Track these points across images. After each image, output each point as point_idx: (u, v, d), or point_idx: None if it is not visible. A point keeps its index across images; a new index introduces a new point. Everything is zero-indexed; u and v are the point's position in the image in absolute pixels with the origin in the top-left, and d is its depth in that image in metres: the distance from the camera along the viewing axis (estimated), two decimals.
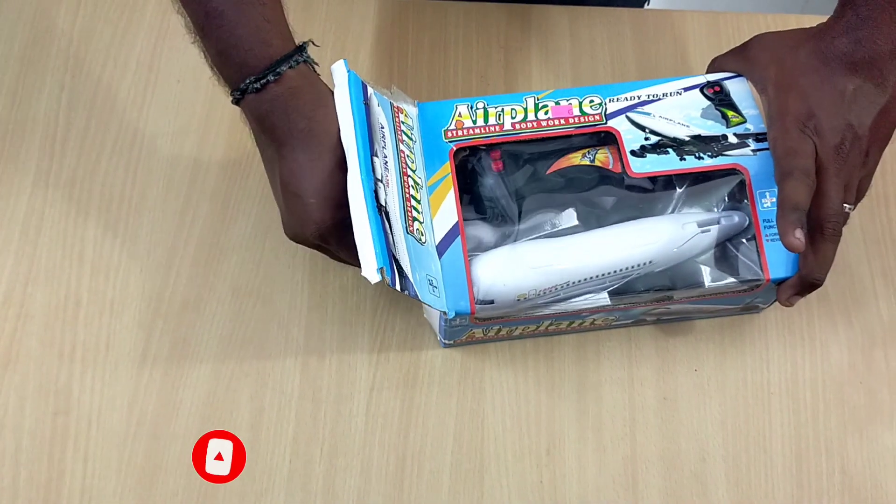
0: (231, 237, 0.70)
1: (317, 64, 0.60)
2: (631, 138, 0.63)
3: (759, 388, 0.67)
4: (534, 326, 0.65)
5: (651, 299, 0.62)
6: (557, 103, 0.64)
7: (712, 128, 0.64)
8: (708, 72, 0.68)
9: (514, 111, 0.64)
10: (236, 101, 0.58)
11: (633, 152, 0.63)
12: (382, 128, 0.60)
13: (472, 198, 0.64)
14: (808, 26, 0.63)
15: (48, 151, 0.73)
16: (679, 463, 0.65)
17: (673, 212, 0.63)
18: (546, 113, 0.64)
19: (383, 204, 0.57)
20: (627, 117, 0.64)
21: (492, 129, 0.63)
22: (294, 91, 0.57)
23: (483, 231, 0.63)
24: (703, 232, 0.62)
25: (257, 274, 0.69)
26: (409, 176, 0.60)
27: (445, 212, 0.61)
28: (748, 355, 0.68)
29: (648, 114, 0.64)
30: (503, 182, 0.64)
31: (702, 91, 0.65)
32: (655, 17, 0.81)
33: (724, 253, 0.63)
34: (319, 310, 0.69)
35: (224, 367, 0.67)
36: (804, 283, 0.60)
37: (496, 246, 0.62)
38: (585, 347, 0.68)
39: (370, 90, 0.60)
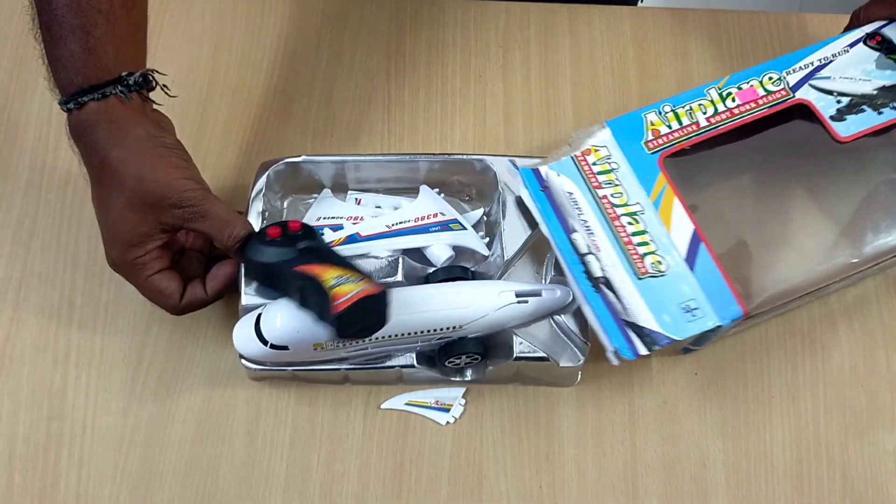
0: None
1: (138, 94, 0.58)
2: (823, 105, 0.63)
3: (759, 392, 0.67)
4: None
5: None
6: (739, 88, 0.64)
7: (892, 76, 0.64)
8: (852, 25, 0.68)
9: (702, 106, 0.64)
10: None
11: (832, 118, 0.62)
12: (571, 195, 0.60)
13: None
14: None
15: (41, 152, 0.72)
16: (679, 468, 0.65)
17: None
18: (733, 100, 0.64)
19: (600, 275, 0.58)
20: (811, 85, 0.64)
21: (688, 129, 0.63)
22: (92, 125, 0.57)
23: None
24: (519, 302, 0.61)
25: None
26: (619, 217, 0.60)
27: (678, 222, 0.60)
28: (748, 358, 0.68)
29: (828, 77, 0.64)
30: None
31: (865, 43, 0.65)
32: (654, 15, 0.80)
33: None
34: None
35: (220, 371, 0.66)
36: None
37: None
38: None
39: (544, 170, 0.61)
